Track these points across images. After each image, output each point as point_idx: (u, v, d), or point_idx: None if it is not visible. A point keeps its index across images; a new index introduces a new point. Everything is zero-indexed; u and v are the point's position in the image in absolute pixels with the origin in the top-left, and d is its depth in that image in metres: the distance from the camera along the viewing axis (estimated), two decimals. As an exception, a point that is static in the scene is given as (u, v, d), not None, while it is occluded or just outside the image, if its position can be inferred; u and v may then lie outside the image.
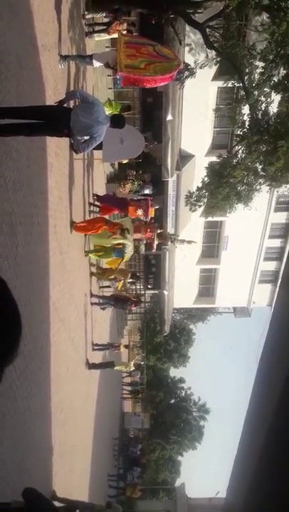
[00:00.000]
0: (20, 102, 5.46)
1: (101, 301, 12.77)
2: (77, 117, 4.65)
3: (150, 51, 8.78)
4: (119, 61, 8.46)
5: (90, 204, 12.21)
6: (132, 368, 13.75)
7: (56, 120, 4.64)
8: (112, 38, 14.23)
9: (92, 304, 12.25)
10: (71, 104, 5.51)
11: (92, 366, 11.40)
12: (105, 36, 12.99)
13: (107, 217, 12.00)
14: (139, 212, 13.91)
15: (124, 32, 13.26)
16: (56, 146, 7.93)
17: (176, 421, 36.21)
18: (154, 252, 19.53)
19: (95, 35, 12.45)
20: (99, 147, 8.19)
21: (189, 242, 18.31)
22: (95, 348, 12.00)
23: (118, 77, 8.54)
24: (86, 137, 4.94)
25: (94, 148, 11.77)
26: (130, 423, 25.46)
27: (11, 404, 4.94)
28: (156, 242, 16.78)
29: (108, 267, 12.61)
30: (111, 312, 17.91)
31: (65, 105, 5.08)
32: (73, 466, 9.07)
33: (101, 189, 15.09)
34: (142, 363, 33.58)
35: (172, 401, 39.18)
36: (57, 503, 6.93)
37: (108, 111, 10.61)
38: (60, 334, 7.81)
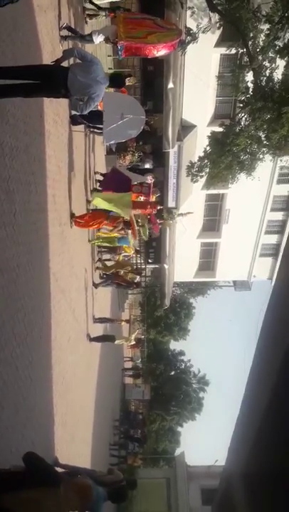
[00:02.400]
0: (16, 63, 5.23)
1: (103, 284, 12.90)
2: (75, 77, 4.46)
3: (150, 24, 8.53)
4: (120, 33, 8.20)
5: (92, 191, 12.00)
6: (133, 342, 13.82)
7: (53, 80, 4.44)
8: (111, 1, 13.71)
9: (95, 285, 12.34)
10: (69, 63, 5.29)
11: (93, 339, 11.45)
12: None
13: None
14: (141, 198, 13.81)
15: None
16: (54, 114, 7.69)
17: (176, 392, 36.85)
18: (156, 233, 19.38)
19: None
20: (100, 123, 7.98)
21: (187, 213, 18.21)
22: (96, 321, 12.02)
23: (119, 47, 8.29)
24: (84, 97, 4.75)
25: (96, 133, 11.53)
26: (131, 394, 25.88)
27: (12, 372, 4.92)
28: (159, 222, 16.68)
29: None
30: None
31: (62, 64, 4.87)
32: (75, 434, 9.20)
33: (100, 161, 14.83)
34: (143, 336, 33.99)
35: (172, 373, 39.79)
36: (59, 469, 7.05)
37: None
38: (60, 305, 7.77)
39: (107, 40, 8.74)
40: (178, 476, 21.41)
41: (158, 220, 16.49)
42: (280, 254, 23.45)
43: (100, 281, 12.89)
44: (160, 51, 8.19)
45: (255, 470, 2.46)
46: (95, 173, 12.71)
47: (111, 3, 11.48)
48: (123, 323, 13.40)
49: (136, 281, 13.61)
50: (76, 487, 3.73)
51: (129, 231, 11.86)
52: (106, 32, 8.83)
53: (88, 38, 8.83)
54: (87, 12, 11.07)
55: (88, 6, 11.04)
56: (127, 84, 12.67)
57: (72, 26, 9.32)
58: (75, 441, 9.21)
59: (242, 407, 2.65)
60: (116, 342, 13.26)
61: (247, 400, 2.56)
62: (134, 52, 8.31)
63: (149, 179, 16.75)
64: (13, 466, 4.19)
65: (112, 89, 10.20)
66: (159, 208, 15.09)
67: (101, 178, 12.57)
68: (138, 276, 14.38)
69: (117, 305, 22.23)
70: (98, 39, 8.75)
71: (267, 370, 2.09)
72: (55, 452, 7.22)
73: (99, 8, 10.88)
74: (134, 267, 14.75)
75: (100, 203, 10.21)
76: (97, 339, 11.86)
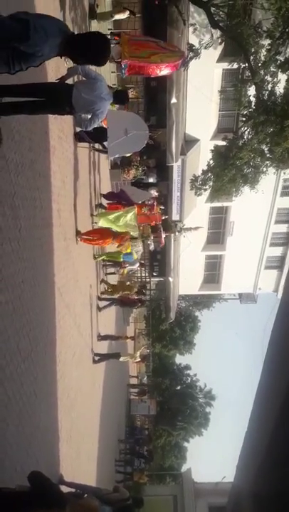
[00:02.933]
0: (20, 81, 5.31)
1: (107, 303, 12.91)
2: (80, 94, 4.50)
3: (153, 45, 8.76)
4: (123, 53, 8.40)
5: (96, 206, 12.09)
6: (138, 359, 13.67)
7: (58, 97, 4.48)
8: (114, 20, 13.98)
9: (99, 308, 12.37)
10: (73, 80, 5.36)
11: (97, 360, 11.33)
12: (109, 19, 12.72)
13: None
14: (145, 210, 13.94)
15: (127, 15, 13.02)
16: (59, 130, 7.78)
17: (182, 407, 36.44)
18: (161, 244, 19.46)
19: (97, 19, 12.17)
20: (104, 140, 8.08)
21: (196, 228, 18.26)
22: (100, 338, 11.89)
23: (123, 65, 8.47)
24: (89, 115, 4.80)
25: (100, 150, 11.66)
26: (137, 409, 25.59)
27: (17, 389, 4.89)
28: (163, 236, 16.76)
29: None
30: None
31: (66, 82, 4.93)
32: (80, 451, 9.09)
33: (105, 175, 14.93)
34: (148, 350, 33.77)
35: (178, 388, 39.41)
36: (64, 488, 6.95)
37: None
38: (65, 320, 7.75)
39: (111, 59, 8.90)
40: (185, 493, 21.03)
41: (164, 233, 16.56)
42: (286, 266, 23.37)
43: (103, 305, 12.92)
44: (163, 71, 8.37)
45: (264, 489, 2.40)
46: (101, 194, 12.87)
47: (114, 22, 11.70)
48: (128, 340, 13.27)
49: (140, 297, 13.59)
50: (82, 509, 3.66)
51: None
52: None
53: None
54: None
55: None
56: (123, 17, 12.85)
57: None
58: (80, 457, 9.09)
59: (250, 424, 2.61)
60: (121, 359, 13.13)
61: (255, 417, 2.51)
62: (138, 71, 8.49)
63: (154, 193, 16.88)
64: (18, 485, 4.13)
65: (116, 106, 10.35)
66: (164, 217, 15.18)
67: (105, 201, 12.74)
68: (142, 296, 14.39)
69: (121, 319, 22.13)
70: None
71: (275, 387, 2.06)
72: (60, 469, 7.13)
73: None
74: (138, 286, 14.78)
75: (105, 224, 10.30)
76: (101, 359, 11.76)
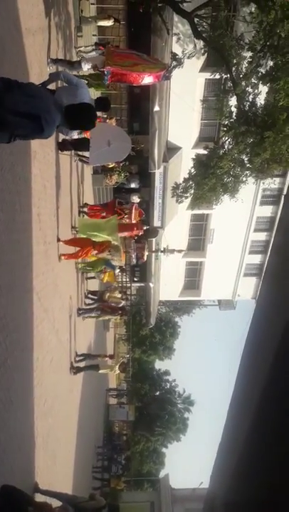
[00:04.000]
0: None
1: (87, 312, 12.89)
2: (61, 99, 4.53)
3: (136, 58, 8.90)
4: (107, 60, 8.50)
5: (80, 207, 12.12)
6: (117, 371, 13.67)
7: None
8: (99, 26, 14.06)
9: (79, 314, 12.35)
10: (57, 86, 5.37)
11: (76, 371, 11.28)
12: (93, 24, 12.79)
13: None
14: (125, 220, 13.99)
15: (112, 23, 13.13)
16: (40, 134, 7.77)
17: (160, 413, 36.44)
18: (140, 245, 19.53)
19: (82, 25, 12.24)
20: (87, 150, 8.17)
21: (179, 251, 18.48)
22: (78, 358, 11.72)
23: (106, 72, 8.55)
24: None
25: (82, 160, 11.75)
26: (115, 415, 25.49)
27: (-8, 395, 4.83)
28: (146, 254, 16.84)
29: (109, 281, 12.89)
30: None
31: (48, 87, 4.95)
32: (57, 457, 9.00)
33: (87, 180, 14.93)
34: (128, 355, 33.66)
35: (157, 393, 39.41)
36: (39, 495, 6.86)
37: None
38: (43, 325, 7.70)
39: (94, 67, 8.97)
40: (162, 500, 20.98)
41: (146, 250, 16.63)
42: (263, 273, 23.71)
43: (83, 309, 12.88)
44: (145, 79, 8.50)
45: (236, 498, 2.45)
46: (84, 204, 12.92)
47: (99, 28, 11.80)
48: (107, 358, 13.18)
49: (121, 305, 13.60)
50: None
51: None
52: (94, 61, 9.08)
53: (76, 66, 9.04)
54: (78, 49, 11.46)
55: (80, 48, 11.49)
56: (108, 24, 13.02)
57: (61, 52, 9.55)
58: (57, 464, 9.00)
59: (223, 435, 2.66)
60: (100, 371, 13.09)
61: (228, 429, 2.56)
62: (120, 79, 8.58)
63: (136, 199, 16.95)
64: None
65: (98, 113, 10.40)
66: (145, 228, 15.24)
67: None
68: (123, 301, 14.41)
69: (102, 325, 22.05)
70: (86, 67, 8.99)
71: (247, 400, 2.11)
72: (36, 476, 7.05)
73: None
74: (120, 292, 14.86)
75: (84, 231, 10.34)
76: (80, 370, 11.70)
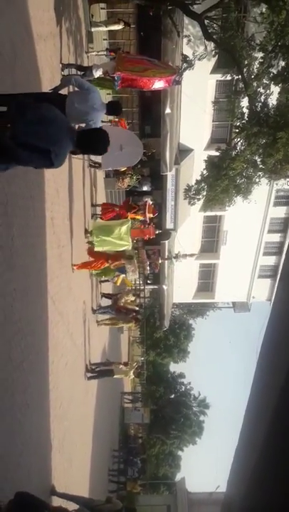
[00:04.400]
0: (14, 90, 5.35)
1: (102, 311, 12.97)
2: (73, 104, 4.56)
3: (147, 63, 8.94)
4: (118, 65, 8.56)
5: (92, 206, 12.20)
6: (132, 377, 13.68)
7: (51, 107, 4.54)
8: (109, 30, 14.15)
9: (94, 311, 12.46)
10: (66, 91, 5.41)
11: (90, 377, 11.29)
12: (103, 28, 12.88)
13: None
14: (139, 219, 14.05)
15: (122, 27, 13.20)
16: (53, 138, 7.83)
17: (176, 416, 36.26)
18: (153, 247, 19.54)
19: (92, 28, 12.33)
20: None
21: (191, 255, 18.46)
22: (91, 369, 11.71)
23: (116, 77, 8.62)
24: (82, 125, 4.85)
25: (94, 166, 11.86)
26: (130, 418, 25.45)
27: (8, 399, 4.87)
28: (159, 262, 16.85)
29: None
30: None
31: (60, 92, 4.99)
32: (73, 460, 9.02)
33: (100, 184, 15.00)
34: (142, 358, 33.61)
35: (172, 396, 39.24)
36: (56, 498, 6.89)
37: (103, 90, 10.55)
38: (58, 328, 7.74)
39: (105, 73, 9.04)
40: (178, 503, 20.85)
41: (160, 259, 16.66)
42: (279, 275, 23.48)
43: (98, 311, 12.96)
44: (155, 84, 8.54)
45: (253, 504, 2.42)
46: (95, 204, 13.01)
47: (109, 32, 11.89)
48: (121, 366, 13.16)
49: (136, 309, 13.64)
50: None
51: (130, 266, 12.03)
52: (105, 67, 9.14)
53: (88, 72, 9.12)
54: (89, 53, 11.59)
55: (91, 52, 11.62)
56: (118, 28, 13.03)
57: (73, 57, 9.65)
58: (73, 467, 9.02)
59: (240, 439, 2.62)
60: (115, 376, 13.10)
61: (245, 433, 2.53)
62: (130, 84, 8.64)
63: (148, 201, 16.98)
64: (2, 503, 4.00)
65: (110, 117, 10.45)
66: (157, 232, 15.28)
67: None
68: (137, 308, 14.48)
69: (115, 328, 22.06)
70: (97, 73, 9.06)
71: (264, 403, 2.08)
72: (53, 479, 7.08)
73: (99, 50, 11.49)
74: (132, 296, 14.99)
75: (97, 235, 10.46)
76: (95, 376, 11.72)
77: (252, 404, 2.36)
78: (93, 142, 3.78)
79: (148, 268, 14.66)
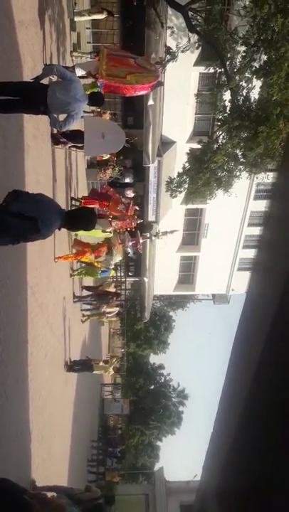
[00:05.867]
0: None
1: (84, 299, 13.00)
2: (54, 94, 4.52)
3: (131, 63, 8.96)
4: (101, 70, 8.56)
5: (72, 199, 12.06)
6: (112, 372, 13.75)
7: (32, 97, 4.49)
8: (92, 19, 13.96)
9: (75, 301, 12.47)
10: (48, 80, 5.35)
11: (69, 369, 11.32)
12: (86, 17, 12.70)
13: None
14: (120, 207, 13.96)
15: (105, 16, 13.04)
16: (34, 128, 7.72)
17: (155, 407, 36.62)
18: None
19: (75, 17, 12.14)
20: (81, 142, 8.21)
21: (172, 232, 18.39)
22: (70, 366, 11.69)
23: (99, 83, 8.62)
24: (63, 115, 4.81)
25: (76, 147, 11.73)
26: (110, 409, 25.59)
27: (-13, 389, 4.84)
28: (140, 242, 16.77)
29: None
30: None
31: (41, 81, 4.93)
32: (52, 451, 9.04)
33: (81, 174, 14.88)
34: (122, 350, 33.75)
35: (152, 387, 39.58)
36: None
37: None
38: (38, 319, 7.71)
39: (88, 74, 8.99)
40: (157, 492, 21.15)
41: (141, 238, 16.59)
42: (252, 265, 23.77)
43: (78, 297, 12.92)
44: (137, 92, 8.61)
45: (227, 489, 2.48)
46: (76, 199, 12.90)
47: (92, 22, 11.74)
48: (101, 363, 13.19)
49: (116, 291, 13.72)
50: None
51: (115, 248, 12.03)
52: (88, 67, 9.10)
53: (71, 70, 9.04)
54: (73, 54, 11.43)
55: (75, 54, 11.45)
56: (101, 18, 12.91)
57: (55, 46, 9.51)
58: (52, 458, 9.05)
59: (215, 425, 2.68)
60: (94, 372, 13.15)
61: (219, 418, 2.59)
62: (113, 90, 8.71)
63: (130, 193, 16.90)
64: None
65: (92, 108, 10.39)
66: (139, 222, 15.23)
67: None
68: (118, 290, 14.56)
69: (96, 321, 22.05)
70: (80, 72, 9.00)
71: (237, 389, 2.14)
72: (32, 470, 7.09)
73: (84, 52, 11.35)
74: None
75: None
76: (74, 371, 11.73)
77: (226, 388, 2.42)
78: (80, 221, 4.08)
79: (130, 250, 14.50)
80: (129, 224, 13.65)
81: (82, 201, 12.50)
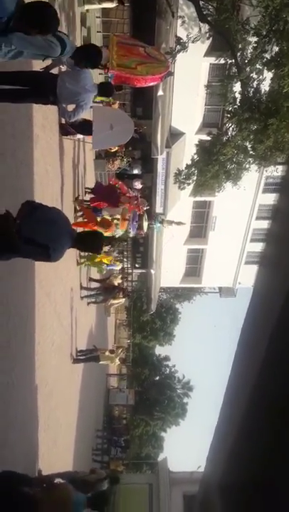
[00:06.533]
0: (4, 68, 5.26)
1: (91, 293, 13.04)
2: (64, 84, 4.50)
3: (141, 52, 8.88)
4: (111, 59, 8.48)
5: (76, 199, 11.91)
6: (118, 363, 13.84)
7: (42, 86, 4.48)
8: (102, 8, 13.83)
9: (82, 297, 12.56)
10: (58, 70, 5.33)
11: (76, 361, 11.41)
12: (96, 5, 12.60)
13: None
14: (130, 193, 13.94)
15: (116, 5, 12.91)
16: (43, 118, 7.72)
17: (160, 398, 36.84)
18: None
19: (85, 5, 12.05)
20: (89, 133, 8.18)
21: (178, 223, 18.24)
22: (78, 356, 11.80)
23: (110, 75, 8.57)
24: (72, 105, 4.79)
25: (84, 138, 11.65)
26: (115, 399, 25.76)
27: (-6, 377, 4.91)
28: (145, 225, 16.62)
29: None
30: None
31: (51, 71, 4.91)
32: (58, 439, 9.16)
33: (90, 165, 14.87)
34: (128, 341, 33.90)
35: (157, 378, 39.78)
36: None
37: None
38: (45, 309, 7.77)
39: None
40: (160, 482, 21.33)
41: (145, 223, 16.35)
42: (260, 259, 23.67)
43: (86, 295, 13.02)
44: (148, 83, 8.54)
45: (231, 479, 2.51)
46: (85, 189, 12.85)
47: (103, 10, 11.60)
48: (107, 352, 13.24)
49: (121, 286, 13.76)
50: (55, 506, 3.68)
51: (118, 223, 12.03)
52: None
53: None
54: None
55: None
56: (111, 6, 12.74)
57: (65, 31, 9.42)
58: (58, 446, 9.17)
59: (219, 416, 2.71)
60: (100, 362, 13.24)
61: (224, 410, 2.62)
62: (124, 81, 8.63)
63: (138, 185, 16.82)
64: None
65: (102, 98, 10.32)
66: (145, 208, 15.18)
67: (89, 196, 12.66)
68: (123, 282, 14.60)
69: (102, 309, 22.16)
70: None
71: (242, 382, 2.15)
72: (38, 458, 7.19)
73: None
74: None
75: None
76: (80, 361, 11.82)
77: (232, 380, 2.44)
78: (88, 245, 4.24)
79: (131, 230, 14.24)
80: (135, 207, 13.62)
81: (91, 201, 12.23)
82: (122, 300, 14.89)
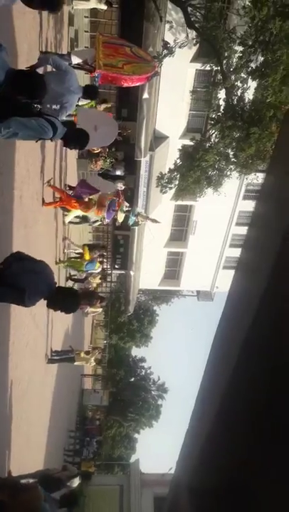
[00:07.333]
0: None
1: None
2: (49, 85, 4.49)
3: (127, 52, 8.88)
4: (98, 59, 8.45)
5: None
6: (93, 364, 13.82)
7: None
8: (91, 8, 13.80)
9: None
10: (43, 70, 5.31)
11: (50, 361, 11.32)
12: (84, 5, 12.56)
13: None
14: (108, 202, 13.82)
15: (104, 6, 12.90)
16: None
17: (134, 399, 36.84)
18: (123, 233, 19.30)
19: (73, 2, 12.00)
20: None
21: (154, 220, 18.22)
22: (52, 357, 11.71)
23: (96, 74, 8.53)
24: (56, 106, 4.79)
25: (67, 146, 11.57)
26: (89, 400, 25.66)
27: None
28: (122, 216, 16.46)
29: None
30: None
31: (37, 71, 4.89)
32: (30, 440, 9.08)
33: (72, 165, 14.80)
34: (105, 341, 33.81)
35: (132, 379, 39.76)
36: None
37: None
38: (20, 309, 7.69)
39: (85, 62, 8.86)
40: (131, 483, 21.35)
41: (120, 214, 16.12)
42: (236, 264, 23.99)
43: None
44: (135, 83, 8.55)
45: (199, 481, 2.57)
46: (65, 185, 12.72)
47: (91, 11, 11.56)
48: (83, 354, 13.18)
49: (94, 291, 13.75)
50: (22, 507, 3.62)
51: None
52: (85, 55, 8.95)
53: (66, 58, 8.90)
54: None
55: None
56: (100, 7, 12.71)
57: (52, 32, 9.39)
58: (30, 446, 9.09)
59: (190, 419, 2.76)
60: (76, 363, 13.18)
61: (195, 414, 2.66)
62: (110, 81, 8.61)
63: (120, 186, 16.78)
64: None
65: (86, 101, 10.30)
66: (127, 208, 15.13)
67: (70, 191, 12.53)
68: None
69: (80, 312, 22.05)
70: (76, 60, 8.86)
71: (214, 387, 2.20)
72: (9, 458, 7.12)
73: None
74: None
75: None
76: (55, 361, 11.73)
77: (204, 386, 2.49)
78: (65, 300, 4.35)
79: (106, 217, 14.05)
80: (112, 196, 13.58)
81: (59, 202, 12.15)
82: (100, 310, 14.89)
